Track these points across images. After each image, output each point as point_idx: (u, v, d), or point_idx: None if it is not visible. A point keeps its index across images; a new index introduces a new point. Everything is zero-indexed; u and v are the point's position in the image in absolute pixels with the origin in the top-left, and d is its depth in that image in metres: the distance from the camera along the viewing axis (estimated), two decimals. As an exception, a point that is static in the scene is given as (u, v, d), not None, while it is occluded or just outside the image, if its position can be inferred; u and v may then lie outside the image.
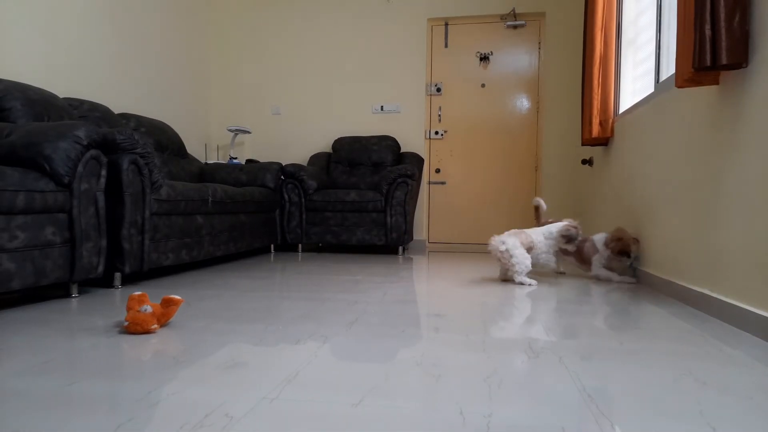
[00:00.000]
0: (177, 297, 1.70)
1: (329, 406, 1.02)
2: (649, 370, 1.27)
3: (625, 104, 3.32)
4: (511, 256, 2.63)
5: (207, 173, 4.06)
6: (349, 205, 4.03)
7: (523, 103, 4.63)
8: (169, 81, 4.31)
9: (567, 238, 2.76)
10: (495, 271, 3.11)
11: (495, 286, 2.56)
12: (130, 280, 2.62)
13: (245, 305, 2.03)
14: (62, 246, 2.04)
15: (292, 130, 4.98)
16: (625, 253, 2.68)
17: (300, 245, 4.25)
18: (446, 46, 4.74)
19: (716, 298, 1.88)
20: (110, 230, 2.32)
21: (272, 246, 4.39)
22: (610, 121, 3.28)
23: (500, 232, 2.78)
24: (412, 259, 3.83)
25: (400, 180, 3.96)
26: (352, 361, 1.32)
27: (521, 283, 2.63)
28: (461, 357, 1.37)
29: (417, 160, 4.42)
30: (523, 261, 2.63)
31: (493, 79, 4.66)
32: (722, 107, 1.92)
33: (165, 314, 1.64)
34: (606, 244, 2.75)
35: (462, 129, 4.73)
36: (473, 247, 4.68)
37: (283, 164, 4.44)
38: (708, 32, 1.74)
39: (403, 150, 4.72)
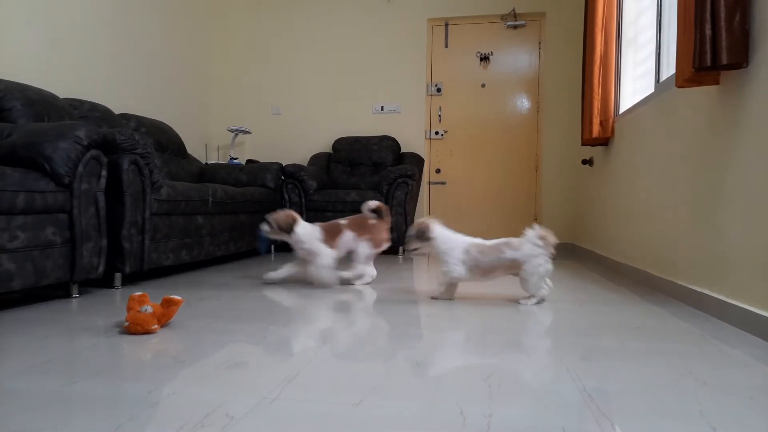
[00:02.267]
0: (177, 297, 1.70)
1: (329, 406, 1.02)
2: (649, 370, 1.26)
3: (625, 104, 3.32)
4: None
5: (207, 173, 4.06)
6: (349, 205, 4.02)
7: (523, 103, 4.63)
8: (169, 81, 4.31)
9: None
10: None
11: (495, 285, 2.56)
12: (130, 280, 2.62)
13: (245, 305, 2.03)
14: (62, 246, 2.04)
15: (292, 130, 4.98)
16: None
17: (300, 245, 4.24)
18: (446, 46, 4.74)
19: (716, 298, 1.88)
20: (110, 230, 2.32)
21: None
22: (611, 121, 3.28)
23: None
24: (412, 259, 3.83)
25: (400, 180, 3.96)
26: (352, 361, 1.32)
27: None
28: (461, 357, 1.37)
29: (417, 160, 4.42)
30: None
31: (493, 79, 4.66)
32: (722, 107, 1.92)
33: (165, 314, 1.64)
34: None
35: (462, 129, 4.73)
36: (473, 247, 4.68)
37: (284, 164, 4.43)
38: (708, 32, 1.74)
39: (403, 150, 4.72)
